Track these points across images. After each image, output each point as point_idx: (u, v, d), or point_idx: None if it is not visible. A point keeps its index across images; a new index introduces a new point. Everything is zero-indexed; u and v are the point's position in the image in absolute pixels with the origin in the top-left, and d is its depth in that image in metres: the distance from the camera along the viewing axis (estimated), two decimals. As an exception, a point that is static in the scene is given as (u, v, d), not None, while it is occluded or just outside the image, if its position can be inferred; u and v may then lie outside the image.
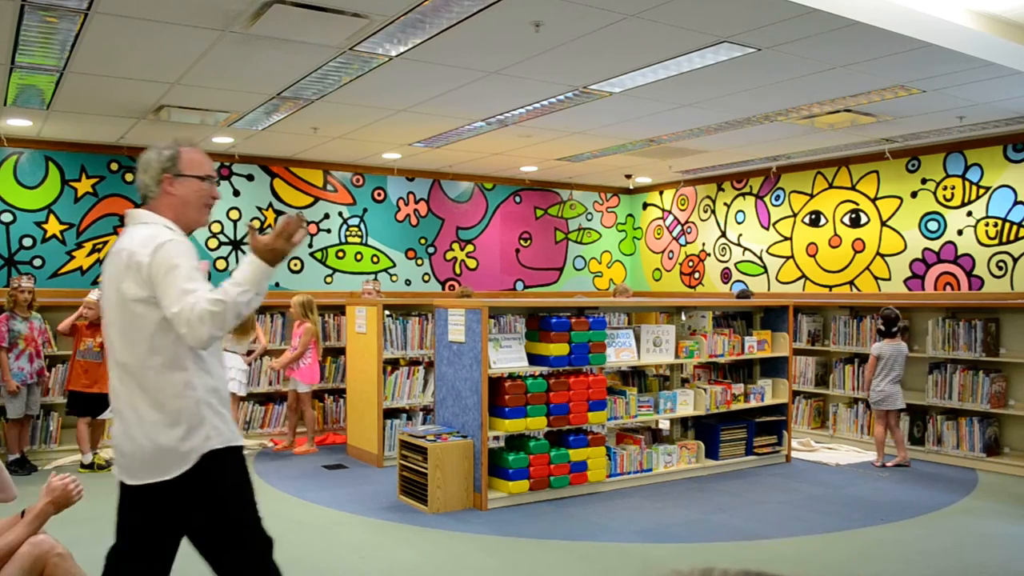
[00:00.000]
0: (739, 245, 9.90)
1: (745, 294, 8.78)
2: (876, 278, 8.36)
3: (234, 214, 8.65)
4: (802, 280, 9.13)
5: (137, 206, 2.64)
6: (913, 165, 8.03)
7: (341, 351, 8.08)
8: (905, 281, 8.10)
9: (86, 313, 6.60)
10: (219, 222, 8.57)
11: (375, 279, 9.38)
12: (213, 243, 8.53)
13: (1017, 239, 7.20)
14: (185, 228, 2.59)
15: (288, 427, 7.60)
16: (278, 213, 8.90)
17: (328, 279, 9.18)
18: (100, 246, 8.01)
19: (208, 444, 2.48)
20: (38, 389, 6.78)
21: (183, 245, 2.48)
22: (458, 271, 10.06)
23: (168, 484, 2.45)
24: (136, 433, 2.46)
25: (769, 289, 9.48)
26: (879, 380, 6.83)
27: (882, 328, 6.91)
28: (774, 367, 7.20)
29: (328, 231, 9.19)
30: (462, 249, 10.10)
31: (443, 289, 9.92)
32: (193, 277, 2.41)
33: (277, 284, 8.79)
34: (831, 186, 8.83)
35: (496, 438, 5.88)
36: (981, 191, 7.46)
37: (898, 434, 6.96)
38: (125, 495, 2.56)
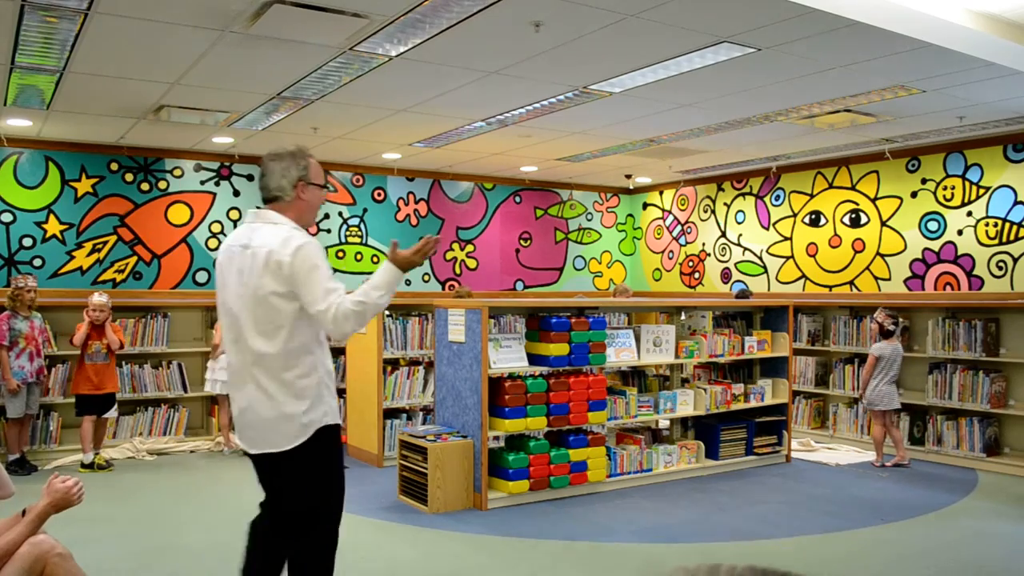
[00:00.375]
0: (739, 245, 9.90)
1: (744, 294, 8.78)
2: (876, 278, 8.36)
3: (234, 214, 8.65)
4: (802, 280, 9.13)
5: (259, 205, 3.03)
6: (913, 165, 8.03)
7: (341, 351, 8.08)
8: (905, 281, 8.10)
9: (98, 316, 6.66)
10: (219, 222, 8.56)
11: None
12: (213, 243, 8.53)
13: (1017, 239, 7.20)
14: (304, 228, 2.95)
15: None
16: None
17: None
18: (100, 246, 8.00)
19: (324, 419, 2.87)
20: (38, 389, 6.79)
21: (318, 247, 2.87)
22: (458, 271, 10.06)
23: (286, 453, 2.82)
24: (263, 408, 2.82)
25: (769, 289, 9.48)
26: (878, 380, 6.83)
27: (891, 327, 6.90)
28: (774, 367, 7.20)
29: (328, 231, 9.19)
30: (462, 249, 10.10)
31: (443, 289, 9.92)
32: (332, 277, 2.83)
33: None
34: (831, 186, 8.83)
35: (496, 438, 5.88)
36: (981, 191, 7.46)
37: (896, 434, 6.96)
38: (254, 464, 2.98)
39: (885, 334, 6.90)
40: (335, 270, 9.19)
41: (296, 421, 2.80)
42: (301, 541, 2.92)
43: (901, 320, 7.19)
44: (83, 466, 6.56)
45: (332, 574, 2.97)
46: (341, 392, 7.92)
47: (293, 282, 2.78)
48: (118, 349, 6.88)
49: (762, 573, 0.67)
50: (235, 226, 8.63)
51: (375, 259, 9.50)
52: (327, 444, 2.88)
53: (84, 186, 7.94)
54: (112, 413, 6.91)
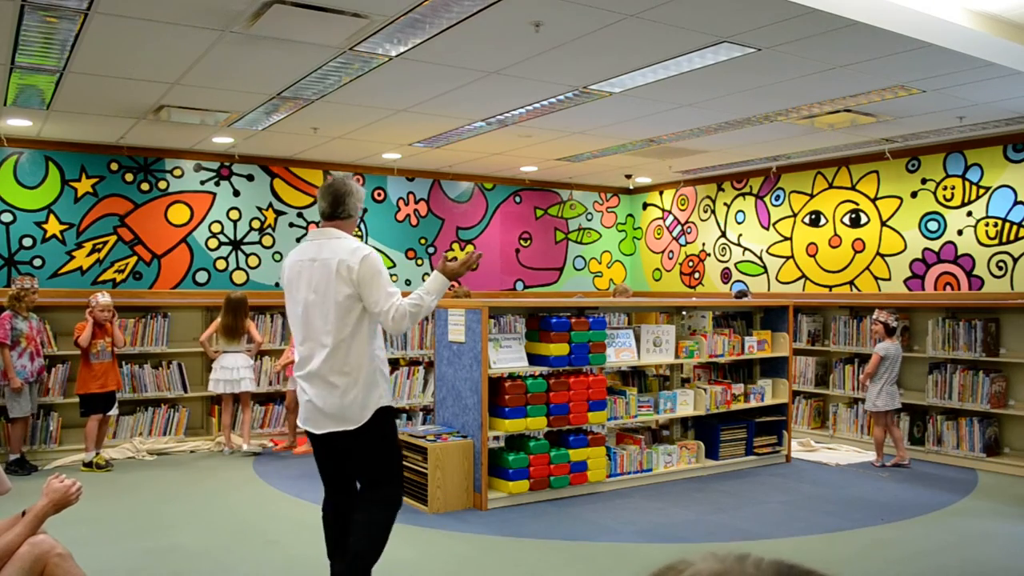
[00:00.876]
0: (739, 245, 9.90)
1: (743, 294, 8.79)
2: (876, 278, 8.36)
3: (234, 214, 8.65)
4: (802, 280, 9.13)
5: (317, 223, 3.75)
6: (913, 165, 8.03)
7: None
8: (905, 281, 8.10)
9: (106, 317, 6.72)
10: (219, 222, 8.56)
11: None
12: (213, 243, 8.53)
13: (1017, 239, 7.20)
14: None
15: (288, 426, 7.60)
16: (278, 213, 8.90)
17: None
18: (100, 246, 8.00)
19: (380, 401, 3.44)
20: (36, 388, 6.83)
21: (378, 257, 3.48)
22: (458, 271, 10.05)
23: (354, 431, 3.39)
24: (333, 395, 3.38)
25: (769, 289, 9.48)
26: (883, 381, 6.81)
27: (894, 325, 6.90)
28: (774, 367, 7.20)
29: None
30: (462, 249, 10.09)
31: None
32: (391, 283, 3.43)
33: (277, 284, 8.79)
34: (831, 186, 8.83)
35: (496, 438, 5.88)
36: (981, 191, 7.46)
37: (897, 433, 6.96)
38: (316, 444, 3.57)
39: (890, 332, 6.90)
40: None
41: (360, 403, 3.39)
42: (371, 504, 3.49)
43: (899, 320, 7.20)
44: (84, 465, 6.57)
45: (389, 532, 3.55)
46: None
47: (359, 285, 3.39)
48: (121, 347, 6.95)
49: (788, 568, 0.68)
50: (235, 226, 8.63)
51: (375, 259, 9.48)
52: (385, 421, 3.46)
53: (84, 186, 7.94)
54: (114, 411, 6.94)
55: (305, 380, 3.50)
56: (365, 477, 3.54)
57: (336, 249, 3.45)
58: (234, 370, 7.30)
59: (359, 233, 9.38)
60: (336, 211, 3.57)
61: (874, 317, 7.04)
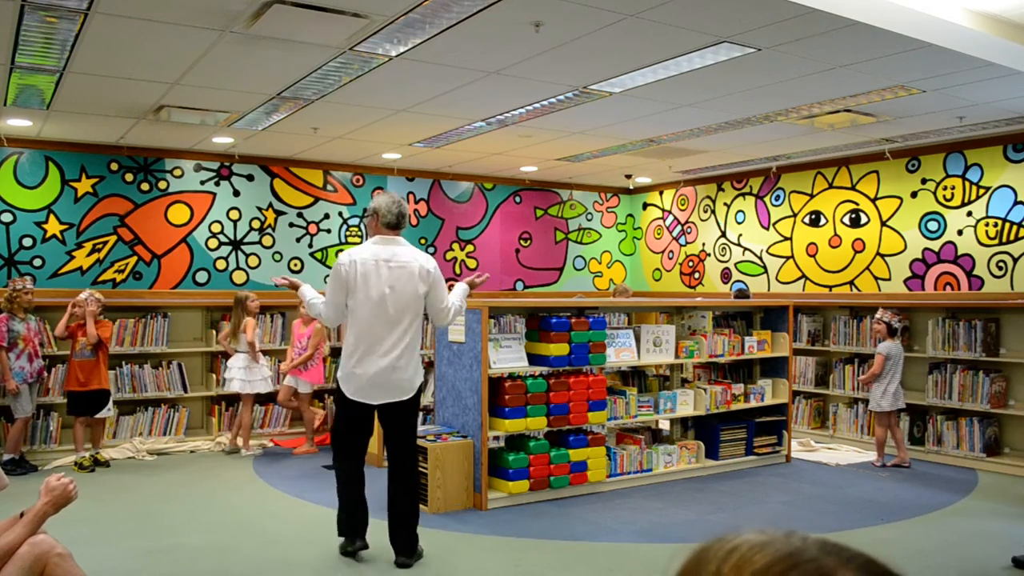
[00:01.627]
0: (739, 245, 9.90)
1: (744, 294, 8.78)
2: (876, 278, 8.36)
3: (234, 214, 8.65)
4: (802, 280, 9.13)
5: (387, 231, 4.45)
6: (913, 165, 8.03)
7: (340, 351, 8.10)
8: (905, 281, 8.10)
9: (77, 312, 6.73)
10: (219, 222, 8.56)
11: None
12: (213, 243, 8.53)
13: (1017, 239, 7.20)
14: None
15: (305, 424, 7.59)
16: (278, 213, 8.89)
17: (328, 279, 9.16)
18: (100, 246, 8.00)
19: (420, 378, 4.43)
20: (35, 389, 6.83)
21: None
22: (458, 271, 10.06)
23: (405, 401, 4.35)
24: (397, 373, 4.28)
25: (769, 289, 9.48)
26: (887, 381, 6.81)
27: (897, 325, 6.90)
28: (774, 367, 7.20)
29: (328, 231, 9.19)
30: (462, 249, 10.10)
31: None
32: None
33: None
34: (831, 186, 8.83)
35: (496, 438, 5.88)
36: (981, 191, 7.46)
37: (899, 434, 6.96)
38: (367, 411, 4.38)
39: (892, 332, 6.90)
40: (335, 270, 9.21)
41: (413, 380, 4.36)
42: (410, 459, 4.47)
43: (901, 320, 7.20)
44: (75, 465, 6.57)
45: None
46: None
47: (432, 285, 4.36)
48: (96, 343, 6.76)
49: (833, 544, 0.71)
50: (235, 226, 8.63)
51: (375, 259, 9.48)
52: (419, 395, 4.46)
53: (84, 186, 7.94)
54: (106, 413, 6.89)
55: (368, 359, 4.26)
56: (404, 440, 4.44)
57: (412, 254, 4.38)
58: (239, 370, 7.31)
59: (360, 234, 9.39)
60: (401, 223, 4.41)
61: (877, 317, 7.03)
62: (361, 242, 9.40)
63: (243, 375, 7.31)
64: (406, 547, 4.39)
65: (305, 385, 7.39)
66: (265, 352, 7.96)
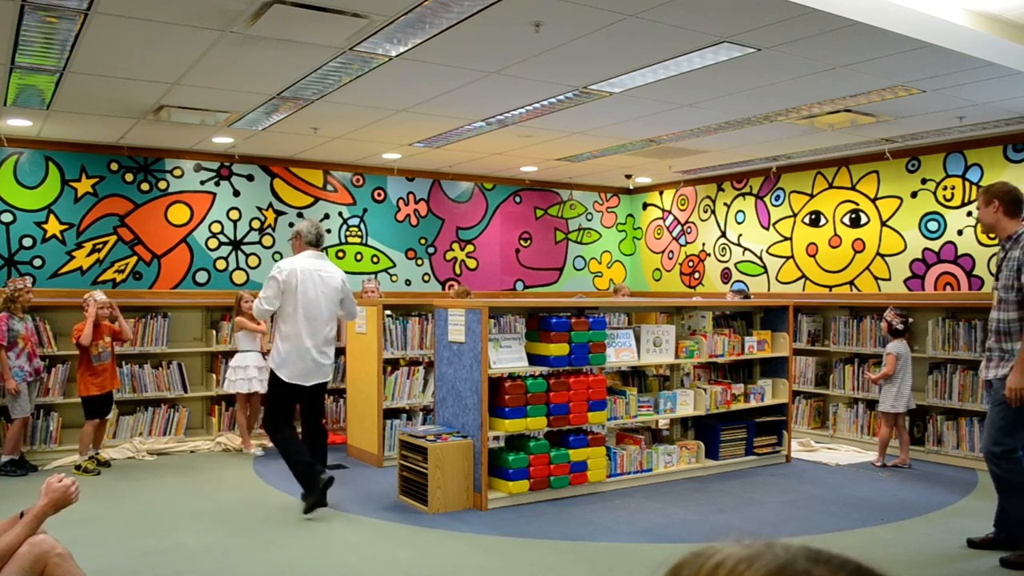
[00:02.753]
0: (739, 245, 9.90)
1: (744, 294, 8.79)
2: (876, 278, 8.36)
3: (234, 214, 8.65)
4: (802, 280, 9.13)
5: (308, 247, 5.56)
6: (913, 165, 8.03)
7: (340, 351, 8.09)
8: (905, 281, 8.10)
9: (104, 314, 6.71)
10: (219, 222, 8.57)
11: (375, 278, 9.39)
12: (213, 243, 8.53)
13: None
14: None
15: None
16: (278, 213, 8.90)
17: (365, 281, 9.16)
18: (100, 246, 8.00)
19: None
20: (34, 389, 6.83)
21: None
22: (458, 271, 10.06)
23: (325, 383, 5.58)
24: (325, 360, 5.46)
25: (769, 289, 9.48)
26: (900, 382, 6.79)
27: (899, 327, 6.90)
28: (774, 367, 7.20)
29: (328, 231, 9.19)
30: (462, 249, 10.10)
31: (443, 289, 9.92)
32: None
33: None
34: (831, 186, 8.83)
35: (496, 438, 5.88)
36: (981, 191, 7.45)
37: (905, 436, 6.95)
38: (304, 391, 5.45)
39: (894, 333, 6.90)
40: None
41: (331, 366, 5.57)
42: (320, 420, 5.72)
43: (910, 320, 7.18)
44: (76, 468, 6.54)
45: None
46: (341, 392, 7.93)
47: (346, 294, 5.60)
48: (128, 338, 7.05)
49: (816, 552, 0.68)
50: (235, 226, 8.64)
51: (375, 259, 9.50)
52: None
53: (84, 186, 7.94)
54: (111, 413, 6.95)
55: (310, 355, 5.37)
56: (320, 409, 5.74)
57: (333, 270, 5.58)
58: (244, 369, 7.32)
59: (360, 234, 9.39)
60: (320, 242, 5.57)
61: (884, 316, 7.03)
62: (361, 243, 9.46)
63: (260, 374, 7.31)
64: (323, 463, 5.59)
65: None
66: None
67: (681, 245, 10.73)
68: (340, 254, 9.28)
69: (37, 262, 7.72)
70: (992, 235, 4.75)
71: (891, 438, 6.94)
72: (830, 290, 8.80)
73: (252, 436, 7.54)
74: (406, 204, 9.71)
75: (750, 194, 9.76)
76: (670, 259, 10.89)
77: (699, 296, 10.00)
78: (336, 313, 5.53)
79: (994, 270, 4.75)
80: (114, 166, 8.08)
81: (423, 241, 9.81)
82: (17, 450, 6.59)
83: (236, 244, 8.66)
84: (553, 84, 5.71)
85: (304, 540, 4.79)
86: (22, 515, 2.93)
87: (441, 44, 4.77)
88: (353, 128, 7.23)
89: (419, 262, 9.79)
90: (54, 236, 7.80)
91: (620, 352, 6.20)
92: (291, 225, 8.94)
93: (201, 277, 8.46)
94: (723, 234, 10.11)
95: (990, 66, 5.14)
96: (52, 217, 7.79)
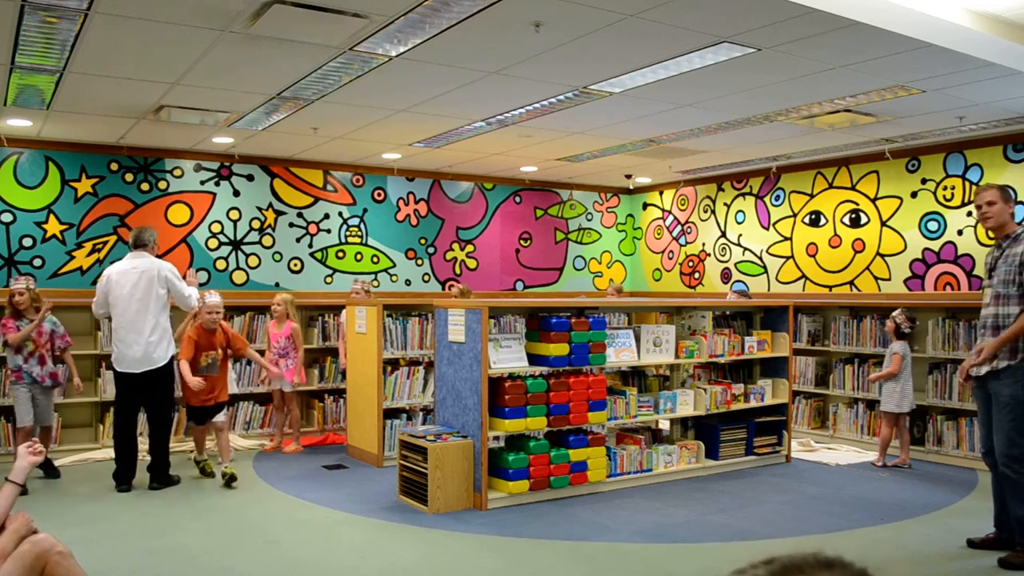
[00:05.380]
0: (739, 245, 9.90)
1: (745, 294, 8.79)
2: (876, 278, 8.36)
3: (234, 214, 8.65)
4: (802, 280, 9.13)
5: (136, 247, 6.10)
6: (913, 165, 8.04)
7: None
8: (905, 281, 8.10)
9: (214, 320, 6.24)
10: (219, 222, 8.56)
11: (373, 279, 9.38)
12: (213, 243, 8.53)
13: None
14: None
15: (276, 427, 7.61)
16: (278, 213, 8.90)
17: (328, 279, 9.18)
18: (100, 246, 8.00)
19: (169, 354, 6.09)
20: (51, 396, 6.36)
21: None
22: (458, 271, 10.06)
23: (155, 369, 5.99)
24: (153, 349, 5.95)
25: (769, 289, 9.48)
26: (903, 382, 6.80)
27: (907, 330, 6.90)
28: (774, 367, 7.20)
29: (328, 231, 9.19)
30: (462, 249, 10.10)
31: (443, 289, 9.92)
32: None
33: (277, 284, 8.79)
34: (831, 186, 8.83)
35: (496, 438, 5.88)
36: (981, 191, 7.45)
37: (906, 436, 6.96)
38: (132, 379, 5.93)
39: (900, 335, 6.90)
40: (335, 270, 9.21)
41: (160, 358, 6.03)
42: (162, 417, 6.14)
43: (917, 323, 7.18)
44: (195, 463, 6.51)
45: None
46: (341, 392, 7.92)
47: (170, 284, 6.05)
48: (242, 352, 6.59)
49: (827, 562, 0.69)
50: (235, 226, 8.64)
51: (375, 259, 9.50)
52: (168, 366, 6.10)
53: (84, 186, 7.94)
54: (221, 417, 6.40)
55: (137, 344, 5.89)
56: (155, 403, 6.07)
57: (152, 263, 6.02)
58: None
59: (360, 234, 9.39)
60: (137, 243, 6.08)
61: (892, 315, 7.03)
62: (361, 243, 9.46)
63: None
64: (158, 476, 6.04)
65: (287, 384, 7.38)
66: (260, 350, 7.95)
67: (681, 245, 10.73)
68: (340, 254, 9.28)
69: (37, 262, 7.72)
70: (993, 234, 4.70)
71: (892, 438, 6.94)
72: (830, 290, 8.80)
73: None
74: (406, 204, 9.71)
75: (750, 194, 9.76)
76: (670, 259, 10.89)
77: (699, 296, 10.01)
78: (163, 304, 6.02)
79: (986, 268, 4.71)
80: (114, 166, 8.08)
81: (423, 241, 9.81)
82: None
83: (236, 244, 8.66)
84: (553, 84, 5.71)
85: (304, 540, 4.79)
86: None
87: (441, 44, 4.77)
88: (353, 128, 7.23)
89: (419, 262, 9.79)
90: (54, 236, 7.80)
91: (620, 352, 6.20)
92: (291, 225, 8.95)
93: (201, 277, 8.46)
94: (723, 234, 10.11)
95: (990, 66, 5.14)
96: (52, 217, 7.79)
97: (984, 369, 4.50)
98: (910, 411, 6.87)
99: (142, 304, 5.86)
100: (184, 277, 6.29)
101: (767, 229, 9.54)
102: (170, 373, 6.06)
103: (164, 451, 6.06)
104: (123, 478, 5.88)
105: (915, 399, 6.90)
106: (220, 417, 6.35)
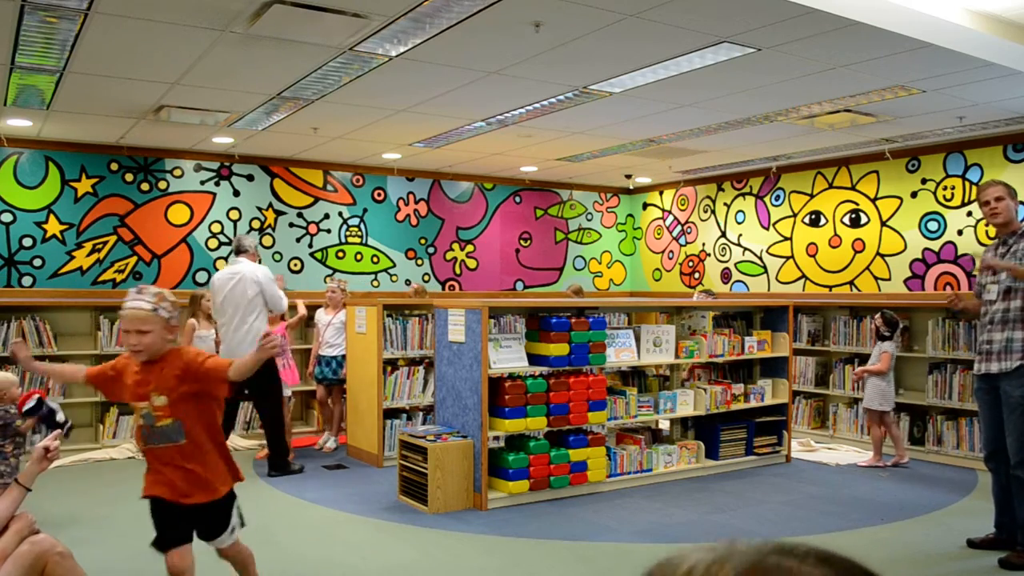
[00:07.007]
0: (739, 245, 9.90)
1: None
2: (876, 278, 8.36)
3: (234, 214, 8.65)
4: (802, 280, 9.13)
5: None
6: (913, 165, 8.03)
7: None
8: (905, 281, 8.10)
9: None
10: (219, 222, 8.57)
11: (373, 279, 9.38)
12: (213, 243, 8.53)
13: (1017, 239, 7.18)
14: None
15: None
16: (278, 213, 8.90)
17: (328, 279, 9.17)
18: (100, 246, 8.00)
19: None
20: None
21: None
22: (458, 271, 10.06)
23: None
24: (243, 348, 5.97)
25: (769, 289, 9.48)
26: (888, 380, 6.82)
27: (887, 334, 6.91)
28: (774, 367, 7.20)
29: (328, 231, 9.19)
30: (462, 249, 10.10)
31: (443, 289, 9.92)
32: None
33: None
34: (831, 186, 8.83)
35: (496, 438, 5.88)
36: (981, 191, 7.45)
37: (896, 433, 6.97)
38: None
39: (881, 337, 6.92)
40: (335, 270, 9.21)
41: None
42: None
43: (901, 323, 7.18)
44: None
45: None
46: (341, 392, 7.92)
47: (264, 288, 6.35)
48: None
49: (778, 545, 0.69)
50: (235, 226, 8.64)
51: (375, 259, 9.50)
52: None
53: (84, 186, 7.94)
54: (287, 392, 7.02)
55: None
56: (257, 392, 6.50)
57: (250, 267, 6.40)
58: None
59: (360, 234, 9.39)
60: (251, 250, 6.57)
61: (874, 319, 7.06)
62: (361, 243, 9.45)
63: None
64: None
65: (286, 388, 7.24)
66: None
67: (681, 245, 10.73)
68: (340, 254, 9.28)
69: (37, 262, 7.72)
70: (998, 231, 4.63)
71: (884, 437, 6.95)
72: (830, 290, 8.80)
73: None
74: (406, 204, 9.71)
75: (750, 194, 9.76)
76: (670, 259, 10.89)
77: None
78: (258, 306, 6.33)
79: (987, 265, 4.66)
80: (114, 166, 8.08)
81: (423, 241, 9.81)
82: None
83: (236, 244, 8.65)
84: (553, 84, 5.71)
85: (304, 540, 4.79)
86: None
87: (441, 44, 4.77)
88: (353, 128, 7.23)
89: (419, 262, 9.79)
90: (54, 236, 7.80)
91: (620, 352, 6.20)
92: (291, 225, 8.95)
93: (201, 277, 8.46)
94: (723, 234, 10.11)
95: (990, 66, 5.14)
96: (52, 217, 7.79)
97: (994, 367, 4.45)
98: (891, 408, 6.88)
99: (238, 306, 6.26)
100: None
101: (767, 229, 9.54)
102: (267, 370, 6.18)
103: (278, 441, 6.39)
104: None
105: (914, 399, 6.90)
106: (222, 541, 3.31)
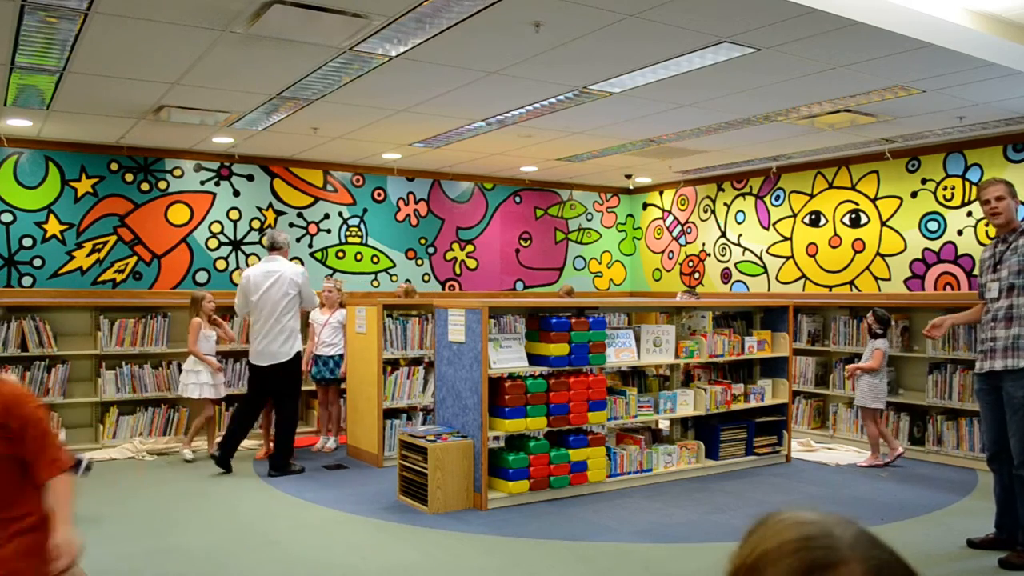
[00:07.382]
0: (739, 245, 9.90)
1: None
2: (876, 278, 8.36)
3: (234, 214, 8.65)
4: (802, 280, 9.13)
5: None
6: (913, 165, 8.03)
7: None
8: (905, 281, 8.10)
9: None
10: (219, 222, 8.56)
11: (373, 279, 9.38)
12: (213, 243, 8.53)
13: (1017, 239, 7.18)
14: None
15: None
16: (278, 213, 8.90)
17: (327, 279, 9.17)
18: (100, 246, 8.00)
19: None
20: None
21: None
22: (458, 271, 10.06)
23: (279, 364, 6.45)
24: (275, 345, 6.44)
25: (769, 289, 9.48)
26: (880, 378, 6.83)
27: (879, 331, 6.91)
28: (774, 367, 7.20)
29: (328, 231, 9.19)
30: (462, 249, 10.10)
31: (443, 289, 9.92)
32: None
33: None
34: (831, 186, 8.83)
35: (496, 438, 5.88)
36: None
37: (885, 429, 7.00)
38: (259, 371, 6.49)
39: (874, 335, 6.92)
40: (335, 270, 9.21)
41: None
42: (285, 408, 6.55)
43: (900, 323, 7.18)
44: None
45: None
46: (341, 392, 7.91)
47: (302, 288, 6.56)
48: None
49: (865, 541, 0.76)
50: (235, 226, 8.64)
51: (375, 259, 9.50)
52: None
53: (84, 186, 7.94)
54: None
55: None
56: (279, 393, 6.56)
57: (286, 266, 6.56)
58: (196, 373, 7.03)
59: (360, 234, 9.39)
60: (285, 248, 6.69)
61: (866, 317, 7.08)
62: (361, 243, 9.46)
63: (212, 379, 7.03)
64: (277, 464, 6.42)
65: None
66: (230, 354, 7.65)
67: (681, 245, 10.73)
68: (340, 254, 9.28)
69: (37, 262, 7.72)
70: (998, 230, 4.61)
71: (879, 435, 6.95)
72: (830, 290, 8.80)
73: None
74: (406, 204, 9.71)
75: (750, 194, 9.76)
76: (670, 259, 10.89)
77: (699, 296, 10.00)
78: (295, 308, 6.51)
79: (988, 264, 4.64)
80: (114, 166, 8.08)
81: (423, 241, 9.81)
82: None
83: (236, 244, 8.66)
84: (553, 84, 5.71)
85: (304, 540, 4.79)
86: None
87: (441, 44, 4.77)
88: (353, 128, 7.23)
89: (419, 262, 9.79)
90: (54, 236, 7.80)
91: (620, 352, 6.19)
92: (291, 225, 8.95)
93: (201, 277, 8.46)
94: (723, 234, 10.11)
95: (990, 66, 5.14)
96: (52, 217, 7.79)
97: (998, 364, 4.42)
98: (881, 406, 6.89)
99: (276, 305, 6.37)
100: None
101: (767, 229, 9.54)
102: (294, 368, 6.50)
103: (286, 441, 6.46)
104: (222, 456, 6.38)
105: (914, 399, 6.90)
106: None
